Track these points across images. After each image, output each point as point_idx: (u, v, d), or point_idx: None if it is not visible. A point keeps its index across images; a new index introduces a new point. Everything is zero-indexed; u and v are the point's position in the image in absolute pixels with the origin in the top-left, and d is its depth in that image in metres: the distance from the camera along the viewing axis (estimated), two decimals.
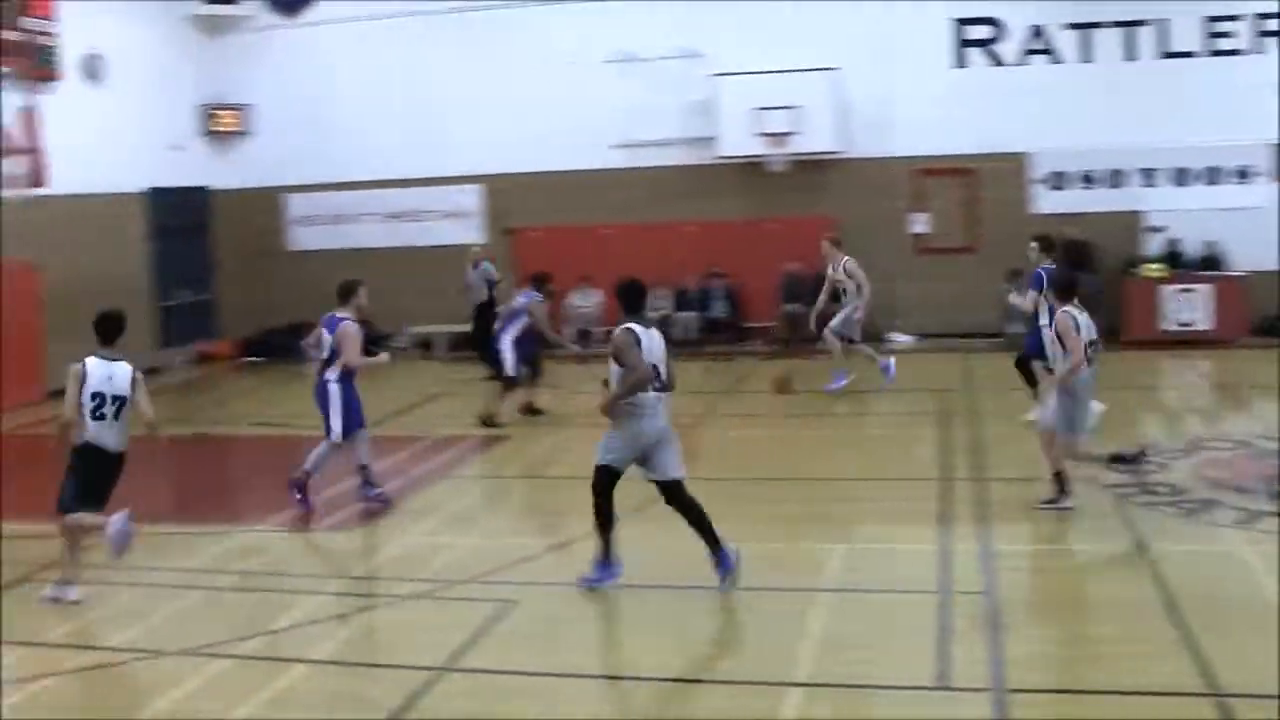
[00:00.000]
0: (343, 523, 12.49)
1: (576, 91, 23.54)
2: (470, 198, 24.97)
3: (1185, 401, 18.45)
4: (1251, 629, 8.44)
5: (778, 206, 23.37)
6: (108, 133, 21.82)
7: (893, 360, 18.06)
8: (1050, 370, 12.31)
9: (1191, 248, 22.13)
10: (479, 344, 21.00)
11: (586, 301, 23.84)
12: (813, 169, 23.02)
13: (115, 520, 10.17)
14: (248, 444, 17.05)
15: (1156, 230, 22.37)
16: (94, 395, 10.25)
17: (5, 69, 16.67)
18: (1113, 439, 12.63)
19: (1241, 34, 22.04)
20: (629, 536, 11.29)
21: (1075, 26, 22.55)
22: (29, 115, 16.77)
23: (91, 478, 10.37)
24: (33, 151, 16.72)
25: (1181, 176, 22.43)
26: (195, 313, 25.06)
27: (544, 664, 8.55)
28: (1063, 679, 8.14)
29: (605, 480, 9.88)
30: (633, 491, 12.06)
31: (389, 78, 24.69)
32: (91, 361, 10.35)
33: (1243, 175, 22.17)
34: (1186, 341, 21.25)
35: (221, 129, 25.72)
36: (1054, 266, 14.56)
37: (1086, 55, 22.57)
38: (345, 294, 12.85)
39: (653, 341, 10.01)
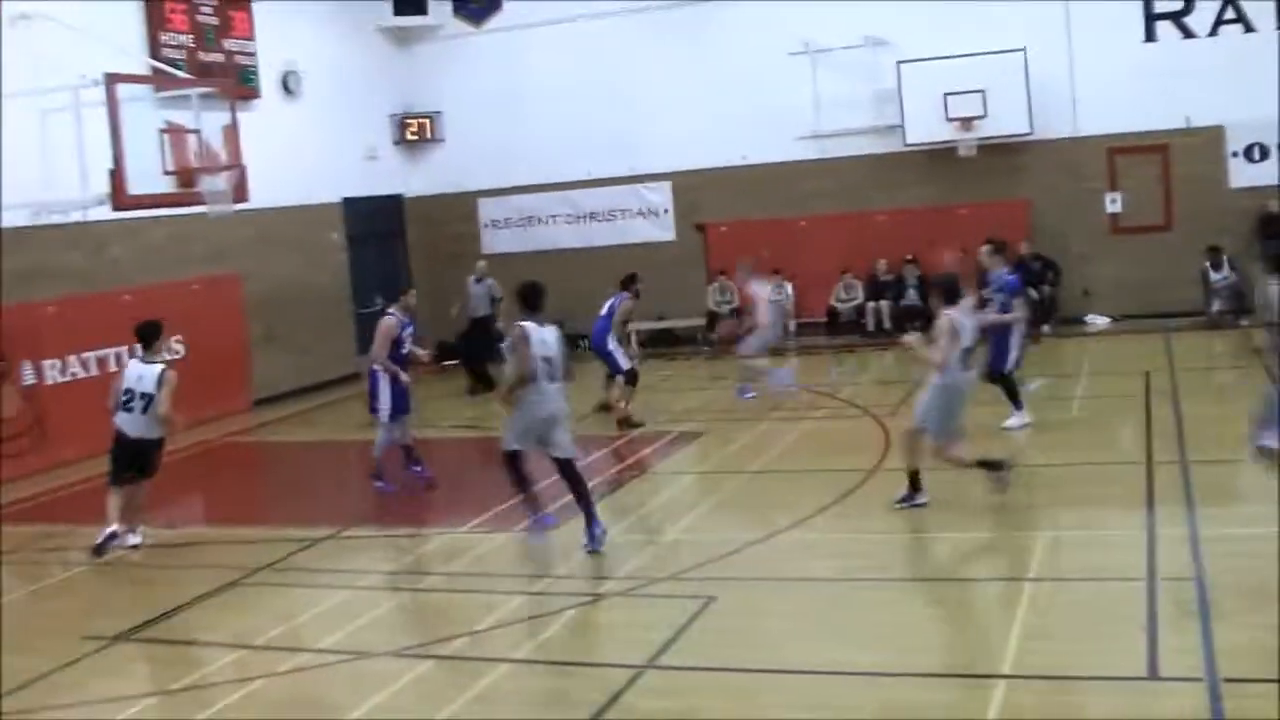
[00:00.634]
0: (541, 523, 12.46)
1: (763, 85, 23.41)
2: (660, 195, 24.96)
3: None
4: None
5: (968, 192, 22.86)
6: (304, 145, 22.39)
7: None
8: None
9: None
10: (468, 356, 21.32)
11: (778, 295, 23.59)
12: (1002, 152, 22.51)
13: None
14: (445, 446, 17.22)
15: None
16: (125, 390, 12.34)
17: (209, 89, 17.12)
18: None
19: None
20: (830, 532, 11.17)
21: None
22: (231, 132, 17.19)
23: (120, 456, 12.59)
24: (234, 167, 17.13)
25: None
26: None
27: (745, 660, 8.40)
28: None
29: (511, 462, 11.29)
30: (820, 493, 11.97)
31: (575, 80, 24.77)
32: (131, 363, 12.81)
33: None
34: None
35: (413, 137, 26.16)
36: (1010, 271, 14.60)
37: None
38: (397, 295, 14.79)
39: (546, 337, 11.11)
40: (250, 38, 21.99)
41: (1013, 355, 14.53)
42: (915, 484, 11.49)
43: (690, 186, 24.65)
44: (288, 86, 22.92)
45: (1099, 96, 22.08)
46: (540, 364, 10.99)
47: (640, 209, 25.09)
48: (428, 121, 26.18)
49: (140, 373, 12.40)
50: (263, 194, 18.71)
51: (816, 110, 23.21)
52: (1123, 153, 22.47)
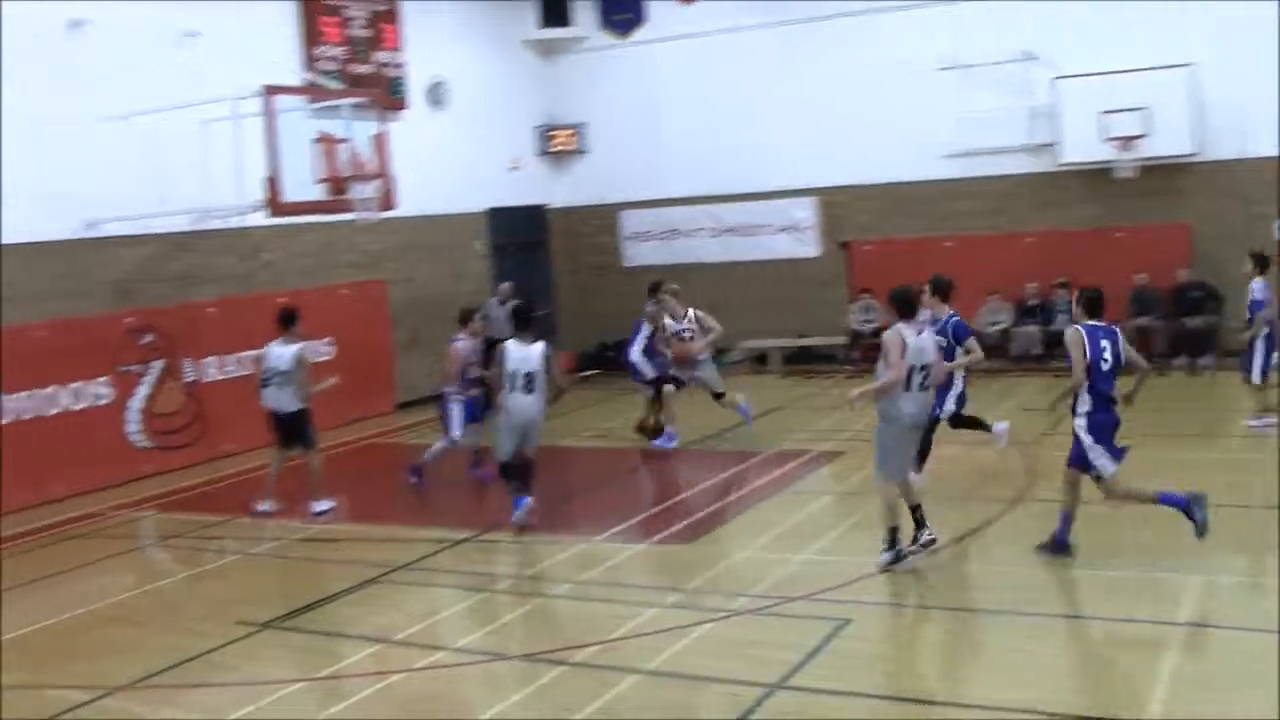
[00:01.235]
0: (678, 536, 12.69)
1: (910, 100, 23.09)
2: (803, 211, 24.84)
3: None
4: None
5: (1126, 214, 22.07)
6: (450, 155, 22.90)
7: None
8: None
9: None
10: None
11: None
12: (1164, 173, 21.68)
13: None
14: (582, 456, 17.52)
15: None
16: (266, 370, 14.30)
17: (360, 100, 17.65)
18: None
19: None
20: (970, 562, 11.13)
21: None
22: (380, 141, 17.71)
23: (276, 430, 14.59)
24: (383, 176, 17.63)
25: None
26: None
27: (879, 687, 8.47)
28: None
29: (504, 471, 13.38)
30: (960, 521, 11.90)
31: (719, 93, 24.82)
32: (271, 345, 14.40)
33: None
34: None
35: (557, 149, 26.55)
36: (953, 316, 13.87)
37: None
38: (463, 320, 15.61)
39: (527, 354, 12.98)
40: (399, 50, 22.56)
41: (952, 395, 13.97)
42: (916, 520, 11.03)
43: (835, 203, 24.46)
44: (435, 98, 23.46)
45: (1271, 116, 20.94)
46: (518, 378, 12.94)
47: (783, 225, 24.98)
48: (572, 133, 26.54)
49: (280, 353, 14.32)
50: (409, 203, 19.21)
51: (965, 127, 22.78)
52: None
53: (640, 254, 26.31)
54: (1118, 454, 10.56)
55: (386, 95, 20.88)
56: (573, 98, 26.47)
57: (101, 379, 17.00)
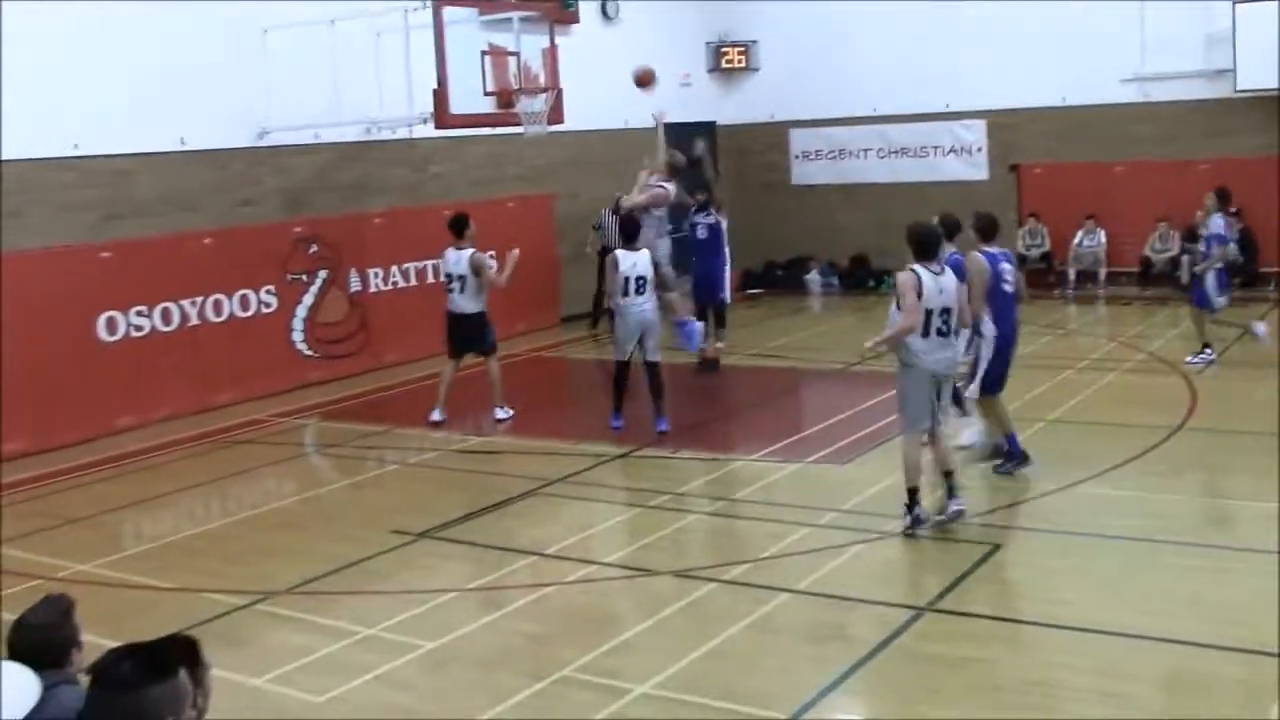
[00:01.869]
0: (835, 456, 12.52)
1: (1087, 24, 22.35)
2: (974, 133, 24.28)
3: None
4: None
5: None
6: (620, 70, 22.68)
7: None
8: None
9: None
10: (599, 288, 21.06)
11: (1093, 241, 22.81)
12: None
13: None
14: (746, 375, 17.39)
15: None
16: (445, 275, 14.81)
17: (530, 12, 17.54)
18: None
19: None
20: (1128, 489, 10.85)
21: None
22: (550, 55, 17.60)
23: (452, 334, 14.87)
24: (551, 89, 17.53)
25: None
26: None
27: (1028, 613, 8.31)
28: None
29: (619, 371, 13.97)
30: (1120, 448, 11.59)
31: (892, 13, 24.24)
32: (447, 251, 14.78)
33: None
34: None
35: (728, 65, 26.21)
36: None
37: None
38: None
39: (635, 259, 13.66)
40: None
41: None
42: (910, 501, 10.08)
43: (1006, 126, 23.90)
44: (606, 12, 23.28)
45: None
46: (631, 283, 13.57)
47: (953, 146, 24.49)
48: (744, 50, 26.18)
49: (456, 258, 14.68)
50: (578, 117, 19.11)
51: (1142, 52, 22.04)
52: None
53: (808, 173, 26.00)
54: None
55: (558, 8, 20.75)
56: (746, 14, 26.11)
57: (268, 287, 17.27)
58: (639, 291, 13.70)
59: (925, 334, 9.83)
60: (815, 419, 14.68)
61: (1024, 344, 16.95)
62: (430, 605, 9.02)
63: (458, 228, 14.81)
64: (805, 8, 25.21)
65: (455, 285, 14.67)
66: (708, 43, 26.02)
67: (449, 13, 16.23)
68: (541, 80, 17.42)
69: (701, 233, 17.94)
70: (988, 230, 11.36)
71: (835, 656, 7.77)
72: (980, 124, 24.19)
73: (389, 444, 14.42)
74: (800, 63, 25.37)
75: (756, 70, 26.27)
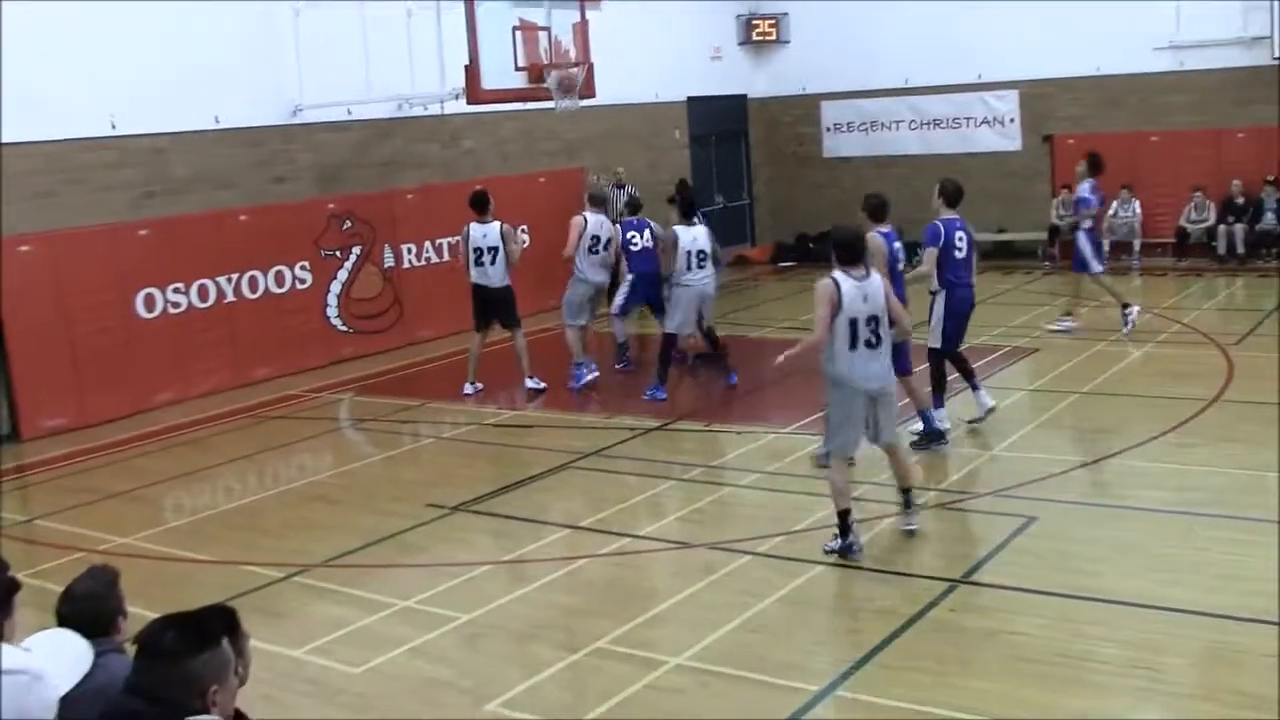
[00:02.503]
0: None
1: None
2: (1006, 104, 24.17)
3: None
4: None
5: None
6: (651, 44, 22.69)
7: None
8: None
9: None
10: None
11: (1127, 211, 22.66)
12: None
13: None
14: (780, 348, 17.30)
15: None
16: (474, 249, 14.75)
17: None
18: None
19: None
20: (1163, 461, 10.81)
21: None
22: (580, 30, 17.59)
23: (480, 307, 14.96)
24: (582, 64, 17.52)
25: None
26: (732, 218, 25.79)
27: (1064, 585, 8.27)
28: None
29: (668, 343, 14.43)
30: (1155, 419, 11.53)
31: None
32: (471, 226, 14.81)
33: None
34: None
35: (759, 38, 26.13)
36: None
37: None
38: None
39: (694, 234, 14.25)
40: None
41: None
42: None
43: (1038, 96, 23.78)
44: None
45: None
46: (692, 256, 14.08)
47: (986, 117, 24.39)
48: (774, 23, 26.09)
49: (484, 231, 14.78)
50: (609, 92, 19.09)
51: (1177, 19, 21.80)
52: None
53: (840, 145, 25.94)
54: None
55: None
56: None
57: (303, 263, 17.37)
58: (700, 265, 14.13)
59: (853, 346, 8.88)
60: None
61: (1054, 319, 17.03)
62: (465, 578, 9.12)
63: (480, 204, 14.91)
64: None
65: (487, 258, 14.74)
66: (738, 16, 25.95)
67: None
68: (573, 55, 17.41)
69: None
70: (877, 211, 11.11)
71: (869, 629, 7.82)
72: (1013, 94, 24.07)
73: (423, 418, 14.51)
74: (831, 34, 25.27)
75: (787, 43, 26.19)
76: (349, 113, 17.83)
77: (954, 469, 11.07)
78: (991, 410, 12.06)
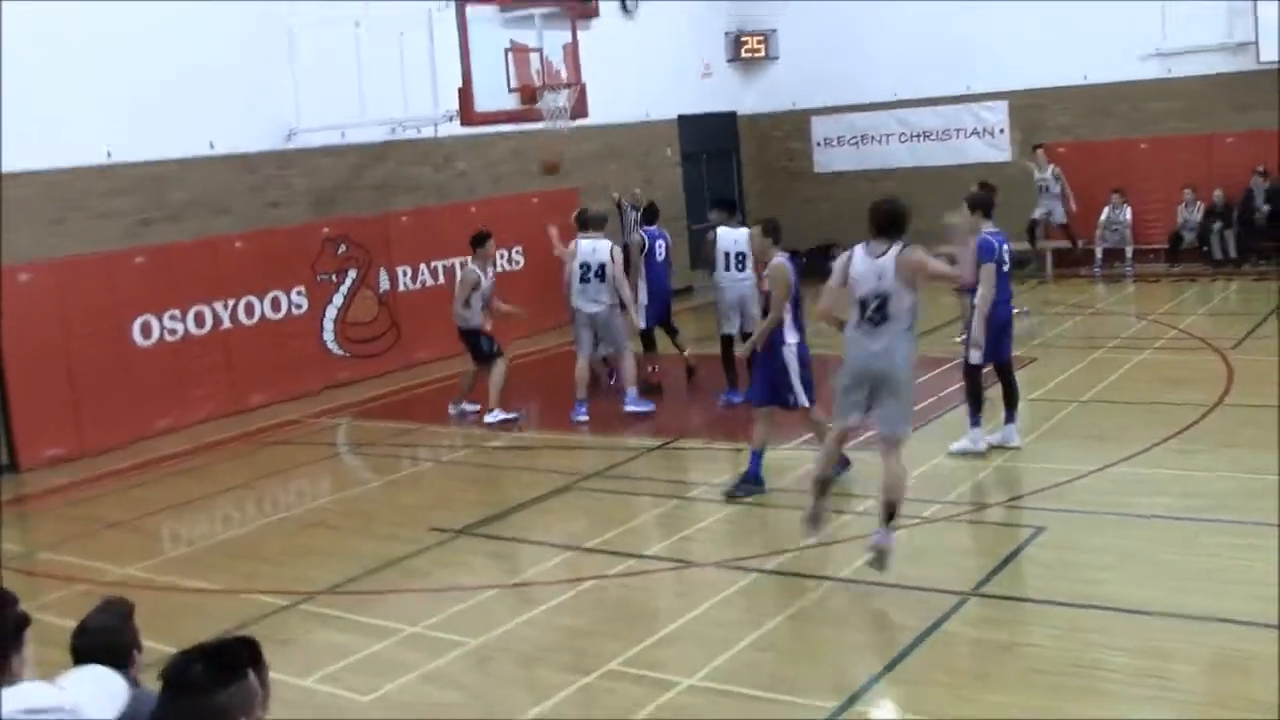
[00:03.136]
0: (871, 443, 12.43)
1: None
2: (995, 114, 24.26)
3: None
4: None
5: None
6: (641, 63, 22.73)
7: None
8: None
9: None
10: None
11: (1119, 216, 22.69)
12: None
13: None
14: None
15: None
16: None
17: (551, 8, 17.54)
18: None
19: None
20: (1166, 468, 10.80)
21: None
22: (571, 50, 17.61)
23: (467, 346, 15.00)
24: (574, 84, 17.55)
25: None
26: None
27: (1073, 595, 8.23)
28: None
29: (725, 344, 14.49)
30: (1156, 426, 11.52)
31: None
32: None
33: None
34: None
35: (748, 55, 26.17)
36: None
37: None
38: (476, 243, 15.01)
39: (735, 236, 14.24)
40: None
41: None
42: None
43: (1028, 106, 23.86)
44: (625, 5, 23.27)
45: None
46: (731, 258, 14.29)
47: (975, 128, 24.49)
48: (763, 39, 26.13)
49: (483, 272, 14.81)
50: (600, 111, 19.13)
51: (1163, 26, 21.94)
52: None
53: (831, 160, 25.99)
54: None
55: (578, 3, 20.72)
56: (763, 4, 26.04)
57: (299, 288, 17.34)
58: (739, 267, 14.23)
59: (857, 320, 8.67)
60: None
61: (1053, 325, 17.04)
62: (471, 602, 9.06)
63: (480, 243, 14.91)
64: None
65: (475, 301, 14.79)
66: (727, 33, 26.00)
67: (472, 10, 16.29)
68: (564, 76, 17.43)
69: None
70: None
71: (881, 644, 7.81)
72: (1002, 105, 24.17)
73: (422, 441, 14.50)
74: (819, 50, 25.34)
75: (776, 59, 26.25)
76: (343, 136, 17.84)
77: (960, 481, 11.02)
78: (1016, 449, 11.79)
